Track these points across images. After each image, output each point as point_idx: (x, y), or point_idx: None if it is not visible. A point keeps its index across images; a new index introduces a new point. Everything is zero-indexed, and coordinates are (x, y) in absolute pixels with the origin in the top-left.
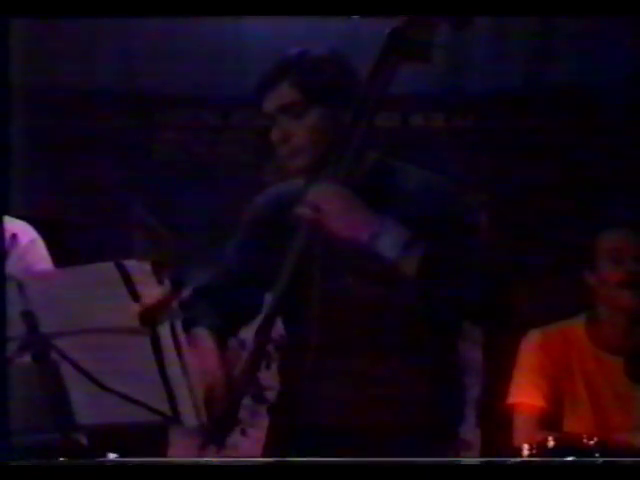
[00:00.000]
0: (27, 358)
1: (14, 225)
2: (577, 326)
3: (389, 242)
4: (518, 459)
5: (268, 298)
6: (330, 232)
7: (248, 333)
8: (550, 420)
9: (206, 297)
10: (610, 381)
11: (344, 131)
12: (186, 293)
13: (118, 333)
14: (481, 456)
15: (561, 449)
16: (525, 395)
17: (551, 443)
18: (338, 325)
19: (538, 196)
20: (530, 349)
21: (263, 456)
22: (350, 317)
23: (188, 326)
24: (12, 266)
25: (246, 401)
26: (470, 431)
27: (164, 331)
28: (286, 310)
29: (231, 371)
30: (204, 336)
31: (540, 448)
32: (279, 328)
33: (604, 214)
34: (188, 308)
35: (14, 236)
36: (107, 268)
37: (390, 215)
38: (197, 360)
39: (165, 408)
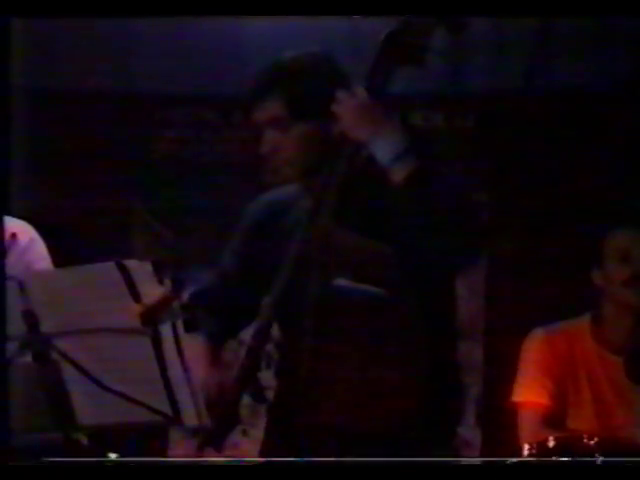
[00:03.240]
0: (27, 358)
1: (14, 224)
2: (581, 325)
3: (385, 147)
4: (518, 459)
5: (266, 301)
6: (342, 127)
7: (246, 334)
8: (555, 418)
9: (204, 303)
10: (613, 381)
11: (336, 138)
12: (185, 298)
13: (119, 333)
14: (481, 456)
15: (562, 449)
16: (531, 393)
17: (551, 443)
18: (335, 326)
19: (546, 195)
20: (535, 347)
21: (260, 456)
22: (347, 318)
23: (187, 332)
24: (12, 265)
25: (246, 401)
26: (470, 431)
27: (165, 331)
28: (283, 312)
29: (230, 372)
30: (203, 344)
31: (540, 448)
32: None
33: (612, 214)
34: (187, 314)
35: (14, 235)
36: (108, 268)
37: (393, 123)
38: (197, 366)
39: (166, 408)
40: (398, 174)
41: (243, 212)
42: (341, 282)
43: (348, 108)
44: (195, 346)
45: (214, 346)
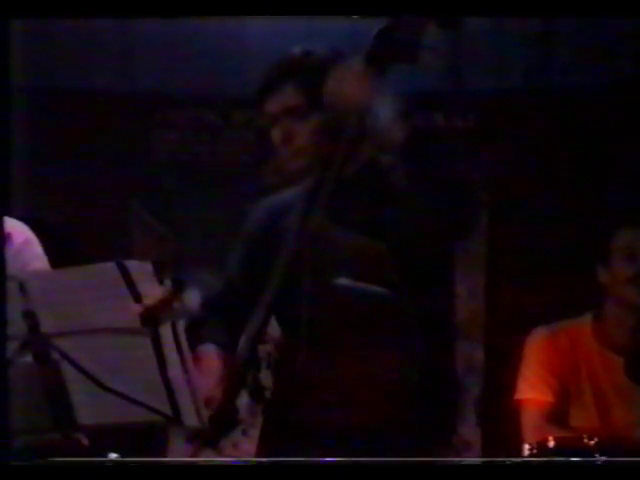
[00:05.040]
0: (27, 358)
1: (9, 224)
2: (583, 324)
3: (387, 106)
4: (518, 459)
5: (261, 300)
6: (339, 98)
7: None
8: (557, 416)
9: (213, 313)
10: (614, 380)
11: (347, 131)
12: (193, 309)
13: (119, 333)
14: (481, 456)
15: (562, 449)
16: (534, 391)
17: (551, 443)
18: (332, 325)
19: (554, 194)
20: (538, 345)
21: (256, 456)
22: (344, 317)
23: (196, 344)
24: (7, 265)
25: (246, 401)
26: (470, 431)
27: (165, 331)
28: (279, 311)
29: (228, 373)
30: (213, 354)
31: (540, 448)
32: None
33: (620, 213)
34: (196, 326)
35: (9, 235)
36: (108, 268)
37: (389, 88)
38: (204, 375)
39: (165, 408)
40: (399, 133)
41: (246, 216)
42: (339, 281)
43: (346, 77)
44: (202, 361)
45: (223, 360)
